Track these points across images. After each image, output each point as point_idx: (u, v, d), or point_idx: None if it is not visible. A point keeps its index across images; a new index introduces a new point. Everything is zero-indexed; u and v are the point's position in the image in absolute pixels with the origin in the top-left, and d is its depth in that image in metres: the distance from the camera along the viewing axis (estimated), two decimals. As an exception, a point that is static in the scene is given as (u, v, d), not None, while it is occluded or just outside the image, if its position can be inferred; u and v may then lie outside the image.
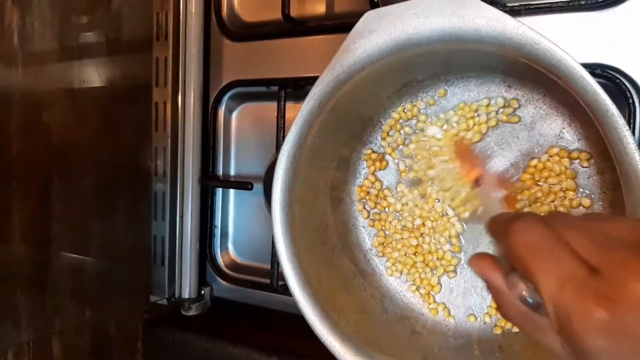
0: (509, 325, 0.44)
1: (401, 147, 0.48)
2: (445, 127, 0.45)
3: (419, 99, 0.46)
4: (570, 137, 0.42)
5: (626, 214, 0.34)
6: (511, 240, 0.24)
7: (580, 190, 0.41)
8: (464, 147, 0.44)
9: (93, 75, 0.53)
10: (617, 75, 0.42)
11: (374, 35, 0.37)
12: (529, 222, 0.24)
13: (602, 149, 0.40)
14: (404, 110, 0.47)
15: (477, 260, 0.28)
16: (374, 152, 0.49)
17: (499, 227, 0.27)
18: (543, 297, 0.22)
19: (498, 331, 0.44)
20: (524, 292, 0.24)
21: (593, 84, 0.31)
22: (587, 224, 0.24)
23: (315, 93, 0.40)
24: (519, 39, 0.33)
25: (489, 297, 0.45)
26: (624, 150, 0.31)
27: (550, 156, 0.42)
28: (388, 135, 0.48)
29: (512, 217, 0.25)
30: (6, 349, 0.46)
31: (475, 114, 0.44)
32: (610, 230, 0.23)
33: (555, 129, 0.42)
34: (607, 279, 0.21)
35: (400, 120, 0.47)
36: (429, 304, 0.47)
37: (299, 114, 0.41)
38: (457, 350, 0.44)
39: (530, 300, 0.24)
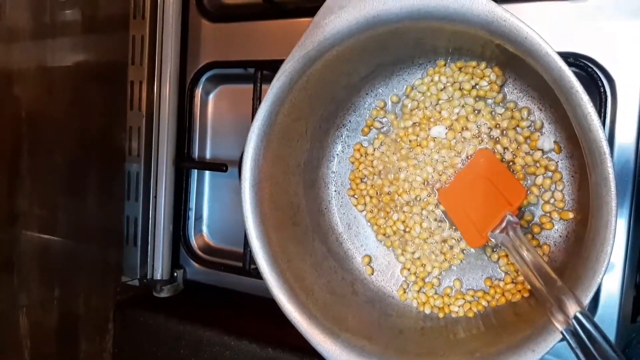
0: (477, 308, 0.44)
1: (377, 131, 0.48)
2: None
3: (393, 83, 0.46)
4: (540, 122, 0.42)
5: (590, 193, 0.34)
6: None
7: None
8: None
9: (68, 51, 0.52)
10: (590, 64, 0.42)
11: (343, 12, 0.37)
12: None
13: (571, 132, 0.40)
14: (377, 95, 0.47)
15: None
16: (348, 136, 0.49)
17: None
18: None
19: (470, 314, 0.44)
20: None
21: (558, 61, 0.31)
22: None
23: (286, 69, 0.40)
24: (486, 15, 0.33)
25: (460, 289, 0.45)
26: (588, 127, 0.31)
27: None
28: (360, 118, 0.48)
29: None
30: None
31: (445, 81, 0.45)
32: None
33: (525, 114, 0.42)
34: None
35: (375, 105, 0.47)
36: (401, 290, 0.47)
37: (269, 90, 0.40)
38: (427, 331, 0.44)
39: None
